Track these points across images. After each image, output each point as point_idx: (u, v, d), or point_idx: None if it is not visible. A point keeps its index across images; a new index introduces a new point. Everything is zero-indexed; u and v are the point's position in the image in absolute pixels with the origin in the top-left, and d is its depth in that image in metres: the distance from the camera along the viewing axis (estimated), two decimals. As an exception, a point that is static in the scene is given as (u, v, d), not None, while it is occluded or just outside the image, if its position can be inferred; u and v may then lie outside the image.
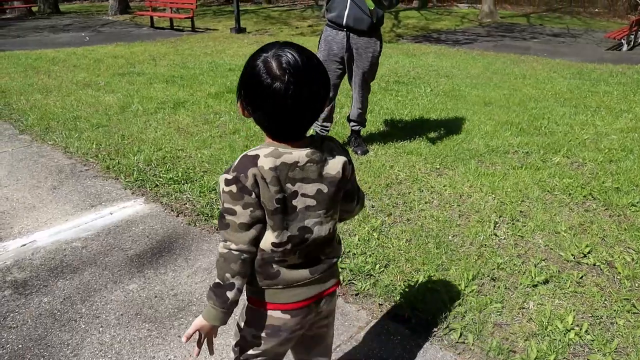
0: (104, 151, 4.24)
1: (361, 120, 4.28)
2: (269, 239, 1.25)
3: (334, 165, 1.26)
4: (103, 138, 4.53)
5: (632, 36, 11.30)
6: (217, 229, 1.28)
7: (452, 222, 3.08)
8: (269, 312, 1.33)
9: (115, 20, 16.64)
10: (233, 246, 1.23)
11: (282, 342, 1.38)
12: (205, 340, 1.35)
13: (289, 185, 1.21)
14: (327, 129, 4.27)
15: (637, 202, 3.37)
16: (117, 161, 4.00)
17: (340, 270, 2.59)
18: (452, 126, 4.87)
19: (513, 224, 3.08)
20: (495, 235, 2.95)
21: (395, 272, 2.56)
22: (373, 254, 2.72)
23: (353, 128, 4.31)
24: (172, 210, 3.25)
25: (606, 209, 3.30)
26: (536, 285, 2.49)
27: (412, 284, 2.48)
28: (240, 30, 12.77)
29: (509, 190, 3.51)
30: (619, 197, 3.42)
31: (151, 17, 14.53)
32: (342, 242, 1.55)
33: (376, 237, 2.88)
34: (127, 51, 9.76)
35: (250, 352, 1.40)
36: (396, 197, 3.40)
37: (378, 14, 3.85)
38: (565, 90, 6.61)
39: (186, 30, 13.56)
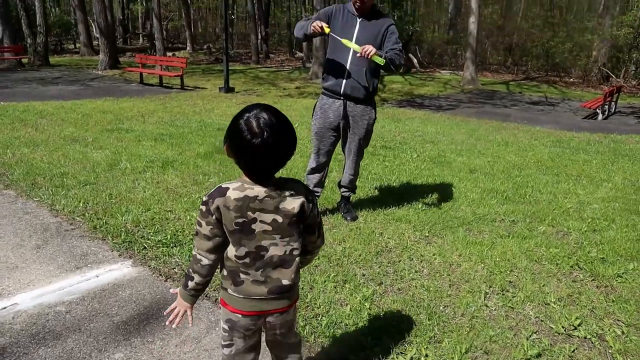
0: (91, 210, 4.19)
1: (352, 186, 4.31)
2: (231, 252, 1.63)
3: (291, 202, 1.61)
4: (90, 196, 4.49)
5: (607, 106, 11.77)
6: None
7: (443, 292, 3.08)
8: (230, 312, 1.71)
9: (105, 75, 16.85)
10: (197, 251, 1.65)
11: (242, 337, 1.75)
12: (184, 314, 1.75)
13: (249, 213, 1.58)
14: (318, 194, 4.31)
15: (623, 273, 3.41)
16: (104, 221, 3.96)
17: (330, 333, 2.56)
18: (439, 193, 4.93)
19: (503, 294, 3.09)
20: (486, 306, 2.95)
21: (388, 344, 2.52)
22: (365, 325, 2.69)
23: (343, 194, 4.33)
24: (160, 275, 3.19)
25: (593, 280, 3.33)
26: (529, 359, 2.48)
27: (406, 358, 2.44)
28: (228, 89, 13.00)
29: (497, 259, 3.54)
30: (605, 268, 3.46)
31: (141, 74, 14.75)
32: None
33: (368, 307, 2.86)
34: (115, 107, 9.84)
35: (226, 342, 1.79)
36: (386, 265, 3.40)
37: (373, 83, 3.95)
38: (546, 158, 6.79)
39: (175, 87, 13.77)
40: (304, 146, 6.66)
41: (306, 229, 1.70)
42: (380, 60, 3.59)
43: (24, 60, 19.70)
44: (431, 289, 3.10)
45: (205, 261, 1.64)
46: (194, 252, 1.66)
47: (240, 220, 1.57)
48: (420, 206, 4.53)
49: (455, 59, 24.37)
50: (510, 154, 6.92)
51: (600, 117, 11.39)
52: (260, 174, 1.58)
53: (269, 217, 1.60)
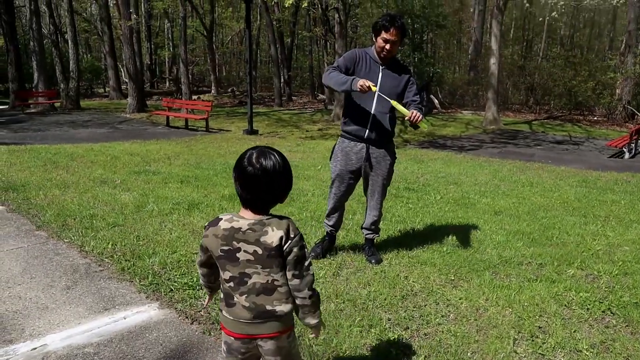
0: (119, 252, 4.27)
1: (376, 228, 4.33)
2: (222, 276, 1.83)
3: (271, 237, 1.75)
4: (119, 238, 4.58)
5: (633, 144, 11.63)
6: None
7: (470, 337, 3.03)
8: (225, 334, 1.87)
9: (133, 118, 17.31)
10: (198, 260, 1.94)
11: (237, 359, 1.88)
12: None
13: (234, 242, 1.77)
14: (337, 231, 4.37)
15: (657, 320, 3.32)
16: (132, 262, 4.02)
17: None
18: (464, 235, 4.90)
19: (533, 340, 3.03)
20: (515, 352, 2.89)
21: (415, 391, 2.49)
22: (392, 371, 2.66)
23: (367, 236, 4.34)
24: (187, 317, 3.21)
25: (627, 326, 3.24)
26: (562, 411, 2.41)
27: (434, 405, 2.40)
28: (252, 132, 13.23)
29: (525, 304, 3.48)
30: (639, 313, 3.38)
31: (167, 117, 15.13)
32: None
33: (394, 352, 2.83)
34: (143, 149, 10.07)
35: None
36: (412, 309, 3.37)
37: (394, 127, 4.06)
38: (572, 198, 6.71)
39: (200, 130, 14.06)
40: (328, 189, 6.70)
41: (284, 265, 1.81)
42: (424, 126, 3.77)
43: (57, 104, 20.40)
44: (458, 334, 3.06)
45: (200, 271, 1.98)
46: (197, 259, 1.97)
47: (225, 247, 1.78)
48: (445, 249, 4.51)
49: (476, 100, 24.46)
50: (536, 195, 6.86)
51: (627, 155, 11.25)
52: (253, 205, 1.78)
53: (250, 248, 1.76)
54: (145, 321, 3.19)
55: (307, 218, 5.31)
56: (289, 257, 1.79)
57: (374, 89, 3.61)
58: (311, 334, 2.05)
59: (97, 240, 4.50)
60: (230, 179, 7.17)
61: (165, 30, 38.73)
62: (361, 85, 3.53)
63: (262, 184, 1.73)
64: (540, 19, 30.27)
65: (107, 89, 31.42)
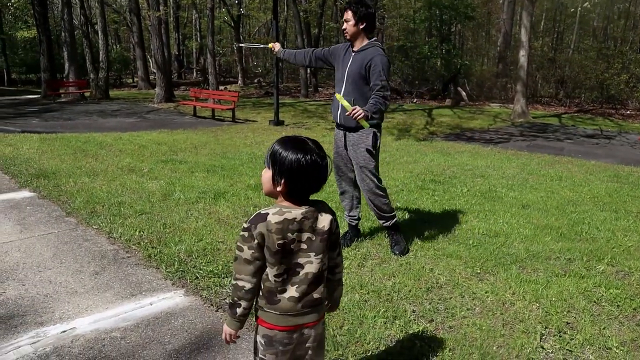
0: (146, 239, 4.33)
1: (379, 215, 4.18)
2: (270, 272, 1.75)
3: (323, 221, 1.78)
4: (146, 225, 4.64)
5: (668, 141, 11.30)
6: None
7: (496, 331, 2.99)
8: (266, 328, 1.81)
9: (160, 107, 17.50)
10: (239, 277, 1.76)
11: (277, 353, 1.81)
12: (232, 338, 1.89)
13: (289, 234, 1.72)
14: (355, 217, 4.39)
15: (691, 319, 3.23)
16: (158, 250, 4.07)
17: None
18: (490, 229, 4.84)
19: (560, 336, 2.98)
20: (542, 347, 2.85)
21: (439, 384, 2.47)
22: (416, 363, 2.64)
23: (384, 225, 4.24)
24: (212, 305, 3.24)
25: (658, 325, 3.16)
26: (589, 408, 2.37)
27: (458, 398, 2.38)
28: (278, 122, 13.25)
29: (553, 299, 3.42)
30: (671, 313, 3.29)
31: (194, 107, 15.25)
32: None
33: (419, 345, 2.81)
34: (170, 138, 10.18)
35: (259, 356, 1.85)
36: (437, 302, 3.34)
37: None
38: (603, 193, 6.56)
39: (227, 120, 14.14)
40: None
41: (331, 246, 1.85)
42: (365, 125, 3.67)
43: (86, 94, 20.75)
44: (484, 328, 3.02)
45: (248, 286, 1.76)
46: (234, 281, 1.78)
47: (281, 241, 1.71)
48: (471, 242, 4.45)
49: (504, 92, 24.04)
50: (565, 189, 6.72)
51: (660, 151, 10.94)
52: (302, 196, 1.75)
53: (304, 236, 1.76)
54: (171, 307, 3.23)
55: (333, 209, 5.29)
56: (335, 238, 1.86)
57: (270, 45, 4.51)
58: (329, 308, 2.05)
59: (125, 227, 4.57)
60: (257, 168, 7.23)
61: (193, 21, 38.98)
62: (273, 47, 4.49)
63: (319, 172, 1.72)
64: (572, 10, 29.55)
65: (135, 79, 31.85)
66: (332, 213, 1.83)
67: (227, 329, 1.87)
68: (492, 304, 3.33)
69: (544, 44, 28.34)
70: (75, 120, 13.21)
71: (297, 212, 1.73)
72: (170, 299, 3.33)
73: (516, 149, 10.56)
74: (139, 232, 4.48)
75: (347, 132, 4.08)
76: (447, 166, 8.15)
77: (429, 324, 3.05)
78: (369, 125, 3.73)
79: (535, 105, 21.41)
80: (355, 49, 4.01)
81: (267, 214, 1.72)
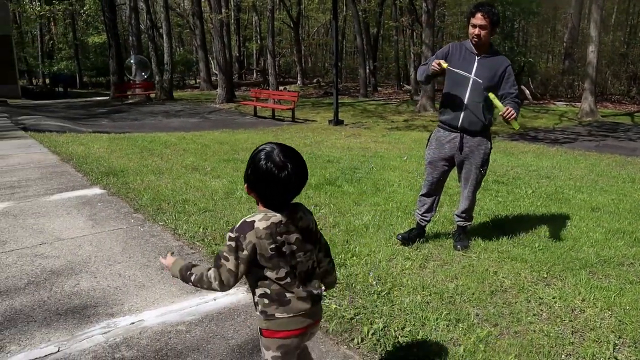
0: (209, 236, 4.44)
1: (468, 216, 4.29)
2: (272, 276, 1.77)
3: (306, 221, 1.83)
4: (209, 222, 4.76)
5: None
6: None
7: (565, 339, 2.88)
8: (281, 339, 1.82)
9: (222, 108, 17.93)
10: (215, 281, 1.78)
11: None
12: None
13: (278, 237, 1.75)
14: (427, 219, 4.32)
15: None
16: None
17: None
18: (557, 232, 4.66)
19: (636, 347, 2.83)
20: (616, 358, 2.71)
21: (504, 390, 2.40)
22: (480, 368, 2.58)
23: (459, 223, 4.30)
24: (274, 302, 3.29)
25: None
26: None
27: (525, 406, 2.31)
28: (338, 122, 13.28)
29: (627, 307, 3.25)
30: None
31: (255, 107, 15.53)
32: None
33: (482, 349, 2.74)
34: (231, 138, 10.40)
35: None
36: (502, 306, 3.25)
37: (489, 116, 3.99)
38: (681, 197, 6.18)
39: (286, 120, 14.32)
40: (414, 180, 6.61)
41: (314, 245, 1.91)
42: (516, 125, 3.76)
43: (152, 95, 21.53)
44: (551, 334, 2.91)
45: (216, 286, 1.79)
46: (209, 279, 1.79)
47: (273, 245, 1.74)
48: (537, 245, 4.30)
49: (571, 90, 23.12)
50: (639, 192, 6.38)
51: None
52: (285, 202, 1.78)
53: (292, 237, 1.79)
54: (234, 303, 3.29)
55: (393, 209, 5.25)
56: (316, 237, 1.92)
57: (444, 65, 3.77)
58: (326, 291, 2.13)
59: (190, 224, 4.71)
60: (317, 168, 7.28)
61: (254, 23, 39.70)
62: (432, 67, 3.79)
63: (295, 184, 1.75)
64: (647, 3, 28.01)
65: (197, 80, 32.77)
66: (310, 212, 1.90)
67: (165, 265, 1.96)
68: (560, 310, 3.21)
69: (615, 38, 27.05)
70: (141, 121, 13.74)
71: (280, 216, 1.76)
72: (233, 295, 3.40)
73: (584, 149, 10.14)
74: (203, 229, 4.60)
75: (465, 136, 4.01)
76: (510, 167, 7.92)
77: (493, 328, 2.97)
78: (518, 126, 3.78)
79: (604, 103, 20.45)
80: (480, 53, 3.91)
81: (254, 221, 1.74)
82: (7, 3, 22.66)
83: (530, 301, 3.32)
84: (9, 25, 24.58)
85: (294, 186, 1.75)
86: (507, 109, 3.68)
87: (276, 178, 1.70)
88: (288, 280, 1.79)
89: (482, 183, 6.40)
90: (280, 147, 1.75)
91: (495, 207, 5.49)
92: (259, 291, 1.83)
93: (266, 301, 1.81)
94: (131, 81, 22.26)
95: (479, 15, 3.79)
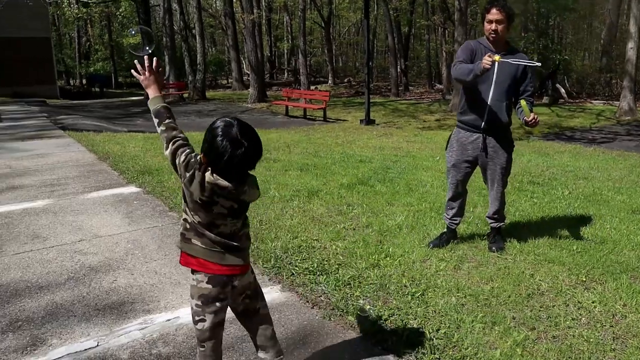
0: (243, 235, 4.47)
1: (500, 216, 4.22)
2: (188, 218, 1.97)
3: (250, 195, 1.98)
4: (242, 221, 4.79)
5: None
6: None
7: (606, 345, 2.81)
8: (201, 282, 2.02)
9: (254, 107, 18.07)
10: (165, 150, 2.05)
11: (214, 311, 2.04)
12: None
13: (215, 197, 1.89)
14: (457, 222, 4.27)
15: None
16: (255, 246, 4.19)
17: None
18: (596, 234, 4.54)
19: (679, 354, 2.74)
20: (659, 366, 2.64)
21: (543, 396, 2.35)
22: (517, 372, 2.54)
23: (492, 225, 4.24)
24: (307, 302, 3.30)
25: None
26: None
27: (564, 412, 2.26)
28: (369, 122, 13.23)
29: (671, 313, 3.15)
30: None
31: (286, 106, 15.60)
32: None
33: (519, 353, 2.69)
34: (263, 137, 10.31)
35: (197, 318, 2.06)
36: (539, 309, 3.18)
37: (510, 116, 3.95)
38: None
39: (318, 119, 14.34)
40: (445, 179, 6.53)
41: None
42: (527, 113, 3.70)
43: (185, 95, 21.84)
44: (591, 340, 2.84)
45: (164, 150, 2.06)
46: (166, 143, 2.06)
47: (204, 198, 1.89)
48: (575, 247, 4.20)
49: (609, 88, 22.51)
50: (681, 194, 6.17)
51: None
52: (232, 175, 1.89)
53: (227, 204, 1.93)
54: (268, 302, 3.30)
55: (427, 209, 5.21)
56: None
57: (496, 58, 3.52)
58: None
59: (224, 223, 4.75)
60: (349, 167, 7.27)
61: (285, 23, 39.89)
62: (485, 63, 3.48)
63: (257, 156, 1.94)
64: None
65: (230, 80, 33.10)
66: (257, 187, 2.05)
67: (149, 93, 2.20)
68: (600, 315, 3.13)
69: (656, 35, 26.19)
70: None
71: (228, 183, 1.88)
72: (267, 294, 3.38)
73: (623, 149, 9.86)
74: (237, 228, 4.63)
75: (487, 137, 3.96)
76: (546, 167, 7.76)
77: (530, 332, 2.92)
78: (530, 115, 3.70)
79: (644, 102, 19.84)
80: (500, 51, 3.83)
81: (209, 170, 1.87)
82: (47, 7, 23.28)
83: (568, 305, 3.25)
84: (48, 28, 25.26)
85: (247, 163, 1.85)
86: (533, 116, 3.65)
87: (230, 154, 1.79)
88: (203, 228, 1.94)
89: (517, 184, 6.35)
90: (238, 124, 1.84)
91: (530, 208, 5.39)
92: (184, 215, 2.01)
93: (187, 226, 1.99)
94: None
95: (494, 10, 3.73)
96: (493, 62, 3.49)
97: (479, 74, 3.58)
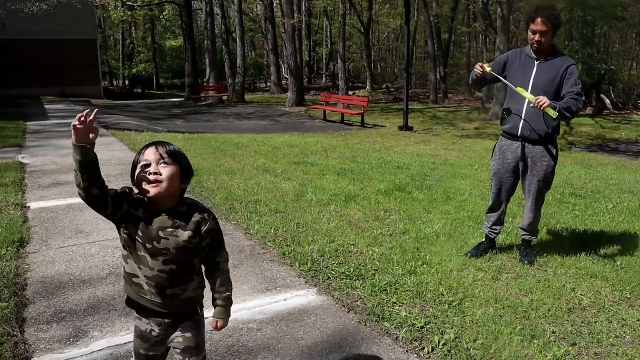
0: (280, 237, 4.51)
1: (531, 230, 4.12)
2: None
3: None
4: (280, 223, 4.84)
5: None
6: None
7: (650, 363, 2.72)
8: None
9: (292, 111, 18.20)
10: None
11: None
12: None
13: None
14: (497, 231, 4.21)
15: None
16: (292, 248, 4.23)
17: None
18: (642, 249, 4.41)
19: None
20: None
21: (584, 413, 2.30)
22: (557, 387, 2.49)
23: (523, 237, 4.16)
24: (343, 306, 3.30)
25: None
26: None
27: None
28: (407, 128, 13.17)
29: None
30: None
31: (324, 111, 15.66)
32: None
33: (560, 368, 2.64)
34: (301, 141, 10.53)
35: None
36: (580, 324, 3.11)
37: (552, 123, 3.81)
38: None
39: (355, 124, 14.34)
40: (486, 189, 6.44)
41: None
42: (552, 113, 3.56)
43: (224, 98, 22.17)
44: (636, 359, 2.76)
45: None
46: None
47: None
48: (619, 263, 4.08)
49: (657, 100, 21.78)
50: None
51: None
52: None
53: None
54: (304, 305, 3.33)
55: (464, 218, 5.15)
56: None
57: (487, 69, 3.80)
58: None
59: (261, 225, 4.80)
60: (386, 173, 7.25)
61: (324, 27, 40.07)
62: (475, 72, 3.81)
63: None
64: None
65: (268, 83, 33.43)
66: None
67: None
68: (645, 333, 3.04)
69: None
70: (214, 122, 14.16)
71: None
72: (303, 297, 3.45)
73: (671, 163, 9.53)
74: (274, 229, 4.68)
75: (526, 144, 3.90)
76: (588, 179, 7.56)
77: (570, 347, 2.85)
78: (556, 114, 3.58)
79: (695, 114, 19.14)
80: (539, 57, 3.81)
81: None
82: (94, 9, 23.99)
83: (611, 322, 3.17)
84: (94, 30, 26.01)
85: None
86: (536, 98, 3.55)
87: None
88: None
89: (558, 196, 6.21)
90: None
91: (572, 220, 5.26)
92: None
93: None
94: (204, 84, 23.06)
95: (538, 20, 3.66)
96: (484, 71, 3.81)
97: (473, 78, 3.89)
